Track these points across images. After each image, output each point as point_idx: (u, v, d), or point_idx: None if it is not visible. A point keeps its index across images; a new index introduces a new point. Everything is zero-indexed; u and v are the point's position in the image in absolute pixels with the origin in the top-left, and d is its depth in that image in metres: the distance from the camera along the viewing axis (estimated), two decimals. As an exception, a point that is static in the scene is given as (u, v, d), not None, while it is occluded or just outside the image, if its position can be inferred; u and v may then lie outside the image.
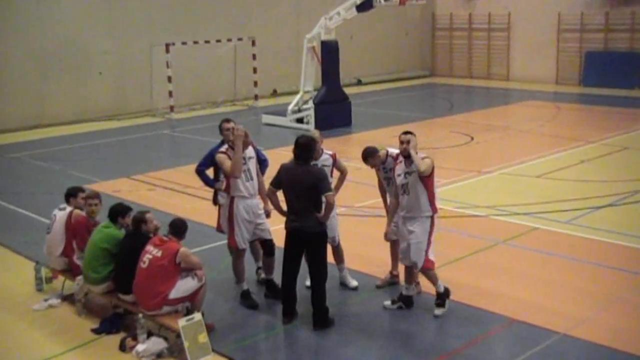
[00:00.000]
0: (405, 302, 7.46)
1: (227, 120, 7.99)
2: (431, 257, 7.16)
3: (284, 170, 7.12)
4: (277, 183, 7.12)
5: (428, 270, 7.23)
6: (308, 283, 7.72)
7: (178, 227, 6.91)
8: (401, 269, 7.68)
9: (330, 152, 7.82)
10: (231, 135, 7.47)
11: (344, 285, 8.11)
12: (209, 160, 8.15)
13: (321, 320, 7.11)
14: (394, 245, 7.94)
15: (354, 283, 8.16)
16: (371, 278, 8.35)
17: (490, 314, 7.39)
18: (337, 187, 7.80)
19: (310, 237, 6.96)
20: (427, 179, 7.06)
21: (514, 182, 12.93)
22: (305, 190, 6.91)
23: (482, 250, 9.33)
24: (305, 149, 7.01)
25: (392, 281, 8.12)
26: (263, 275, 8.06)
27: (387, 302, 7.55)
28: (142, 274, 6.77)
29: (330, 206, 6.86)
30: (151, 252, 6.76)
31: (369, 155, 7.44)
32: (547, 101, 23.44)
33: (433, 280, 7.29)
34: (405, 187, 7.13)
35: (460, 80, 29.87)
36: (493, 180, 13.07)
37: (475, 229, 10.18)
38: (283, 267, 7.21)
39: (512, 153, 15.39)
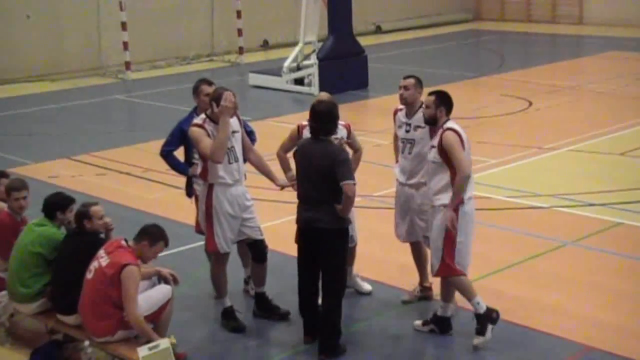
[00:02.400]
0: (440, 325, 7.50)
1: (208, 82, 7.97)
2: (457, 260, 7.20)
3: (299, 145, 7.26)
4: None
5: (448, 277, 7.27)
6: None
7: (147, 233, 6.89)
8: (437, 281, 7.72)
9: (343, 122, 7.89)
10: (214, 106, 7.43)
11: (355, 292, 8.23)
12: (178, 137, 8.14)
13: (330, 346, 7.16)
14: (416, 247, 8.01)
15: (367, 287, 8.27)
16: (395, 290, 8.37)
17: (555, 339, 7.39)
18: (354, 169, 7.79)
19: (324, 235, 7.03)
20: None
21: (588, 162, 12.90)
22: (319, 175, 6.97)
23: (543, 254, 9.32)
24: (324, 119, 7.03)
25: (424, 295, 8.16)
26: (253, 288, 8.09)
27: (418, 322, 7.61)
28: (88, 287, 6.79)
29: (349, 199, 6.91)
30: (100, 258, 6.78)
31: None
32: (634, 51, 23.32)
33: (464, 294, 7.32)
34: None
35: (514, 26, 29.75)
36: (559, 159, 13.04)
37: (535, 225, 10.18)
38: (298, 273, 7.30)
39: (586, 123, 15.34)
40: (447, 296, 7.48)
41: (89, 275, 6.78)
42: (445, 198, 7.10)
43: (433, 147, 7.19)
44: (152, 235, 6.88)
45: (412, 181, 7.75)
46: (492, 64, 22.47)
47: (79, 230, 7.10)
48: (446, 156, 7.07)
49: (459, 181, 7.01)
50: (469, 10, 31.66)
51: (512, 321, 7.60)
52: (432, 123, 7.27)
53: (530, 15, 30.39)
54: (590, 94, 18.12)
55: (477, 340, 7.22)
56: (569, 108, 16.83)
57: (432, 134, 7.35)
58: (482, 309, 7.20)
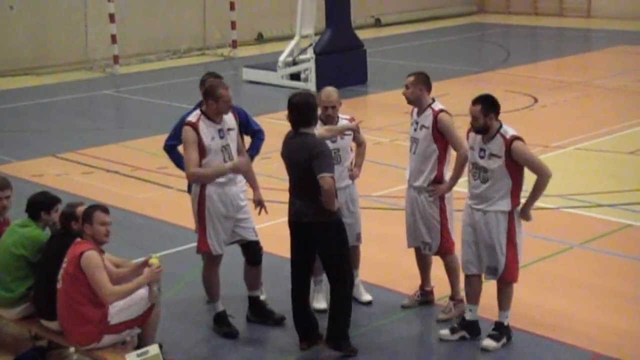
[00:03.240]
0: (470, 329, 7.53)
1: (215, 76, 7.94)
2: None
3: (284, 140, 7.34)
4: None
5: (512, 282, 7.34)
6: (317, 305, 7.88)
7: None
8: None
9: (348, 117, 7.97)
10: (209, 100, 7.43)
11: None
12: (181, 131, 8.15)
13: (337, 337, 7.23)
14: (421, 251, 8.02)
15: (366, 297, 8.26)
16: (395, 295, 8.37)
17: (562, 346, 7.40)
18: (359, 164, 8.00)
19: (311, 229, 7.10)
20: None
21: (596, 161, 12.92)
22: (299, 169, 7.08)
23: (550, 257, 9.35)
24: (300, 111, 7.10)
25: (424, 300, 8.17)
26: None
27: (445, 332, 7.60)
28: (61, 296, 6.76)
29: (326, 192, 6.93)
30: (64, 264, 6.75)
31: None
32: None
33: (508, 302, 7.37)
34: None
35: (520, 19, 29.79)
36: (566, 158, 13.07)
37: (541, 227, 10.15)
38: (291, 273, 7.36)
39: (594, 120, 15.36)
40: (477, 299, 7.52)
41: (59, 285, 6.75)
42: (504, 205, 7.15)
43: (494, 155, 7.08)
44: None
45: (416, 183, 7.75)
46: (496, 59, 22.48)
47: (64, 232, 7.08)
48: (513, 166, 7.07)
49: (543, 182, 7.09)
50: (473, 3, 31.68)
51: (518, 327, 7.61)
52: (484, 132, 7.14)
53: (536, 8, 30.43)
54: (598, 90, 18.13)
55: (489, 343, 7.33)
56: (576, 105, 16.85)
57: (484, 140, 7.18)
58: (507, 322, 7.40)
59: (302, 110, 7.10)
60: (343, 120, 7.86)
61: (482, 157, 7.15)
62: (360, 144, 8.05)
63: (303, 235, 7.21)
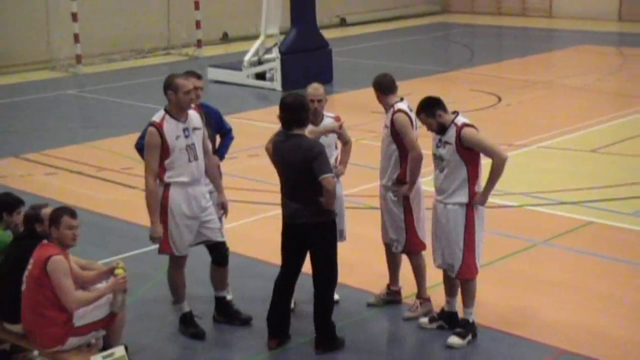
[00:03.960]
0: (448, 320, 7.62)
1: (196, 75, 7.90)
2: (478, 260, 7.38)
3: (274, 140, 7.33)
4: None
5: (470, 279, 7.38)
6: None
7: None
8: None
9: (333, 115, 8.02)
10: (171, 95, 7.37)
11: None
12: None
13: (326, 340, 7.28)
14: (390, 249, 8.06)
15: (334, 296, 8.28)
16: (362, 294, 8.39)
17: (527, 342, 7.46)
18: (345, 162, 8.05)
19: (307, 229, 7.12)
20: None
21: (559, 159, 13.04)
22: (294, 171, 7.08)
23: (514, 254, 9.41)
24: (293, 111, 7.09)
25: (390, 299, 8.21)
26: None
27: (424, 320, 7.74)
28: (25, 299, 6.70)
29: (329, 193, 7.00)
30: (29, 266, 6.69)
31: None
32: (607, 45, 23.62)
33: (470, 298, 7.44)
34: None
35: (484, 19, 29.98)
36: (530, 156, 13.18)
37: (505, 225, 10.27)
38: (281, 272, 7.37)
39: (557, 119, 15.50)
40: (453, 291, 7.61)
41: (24, 287, 6.70)
42: (462, 196, 7.20)
43: (448, 143, 7.18)
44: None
45: (382, 182, 7.84)
46: (461, 58, 22.61)
47: (28, 234, 7.01)
48: (466, 153, 7.14)
49: (499, 166, 7.11)
50: (437, 3, 31.84)
51: (483, 324, 7.66)
52: (443, 129, 7.24)
53: (500, 8, 30.66)
54: (562, 89, 18.31)
55: (454, 340, 7.38)
56: (540, 103, 16.99)
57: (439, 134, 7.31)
58: (472, 319, 7.45)
59: (295, 110, 7.09)
60: (328, 119, 7.87)
61: (438, 147, 7.27)
62: (345, 142, 8.06)
63: (298, 237, 7.20)
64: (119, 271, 6.70)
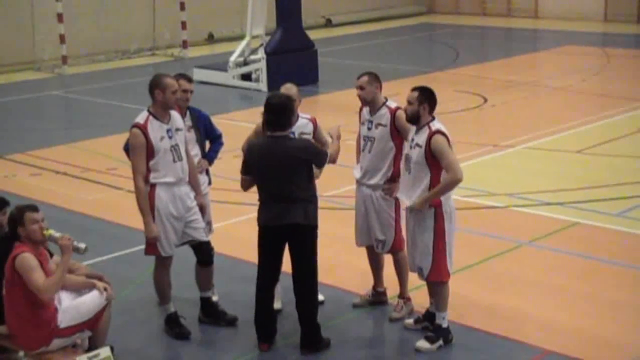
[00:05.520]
0: (433, 320, 7.58)
1: (187, 79, 7.95)
2: (449, 263, 7.34)
3: (252, 148, 7.23)
4: (248, 168, 7.25)
5: (440, 282, 7.35)
6: (275, 305, 7.79)
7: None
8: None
9: (308, 116, 7.97)
10: (158, 94, 7.35)
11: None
12: None
13: (312, 341, 7.28)
14: (372, 250, 8.06)
15: (319, 297, 8.24)
16: (347, 294, 8.39)
17: (512, 343, 7.47)
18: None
19: (297, 230, 7.11)
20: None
21: (544, 159, 13.07)
22: (286, 173, 7.03)
23: (499, 255, 9.43)
24: (280, 112, 7.07)
25: (376, 300, 8.20)
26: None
27: (410, 321, 7.73)
28: (6, 302, 6.66)
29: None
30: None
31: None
32: (591, 46, 23.71)
33: (442, 302, 7.41)
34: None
35: (469, 19, 30.06)
36: (515, 157, 13.20)
37: (490, 225, 10.29)
38: (258, 274, 7.33)
39: (542, 120, 15.56)
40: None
41: (4, 290, 6.66)
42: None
43: (418, 146, 7.18)
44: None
45: (372, 182, 7.79)
46: (446, 59, 22.65)
47: (12, 235, 6.96)
48: (432, 159, 7.11)
49: (450, 183, 7.05)
50: (422, 3, 31.90)
51: (468, 325, 7.68)
52: (415, 121, 7.25)
53: (485, 9, 30.74)
54: (547, 89, 18.37)
55: (423, 344, 7.32)
56: (525, 104, 17.04)
57: (416, 130, 7.31)
58: (445, 324, 7.40)
59: (280, 113, 7.07)
60: (303, 120, 7.83)
61: (411, 147, 7.27)
62: (323, 144, 7.94)
63: (279, 238, 7.18)
64: (48, 232, 6.60)
